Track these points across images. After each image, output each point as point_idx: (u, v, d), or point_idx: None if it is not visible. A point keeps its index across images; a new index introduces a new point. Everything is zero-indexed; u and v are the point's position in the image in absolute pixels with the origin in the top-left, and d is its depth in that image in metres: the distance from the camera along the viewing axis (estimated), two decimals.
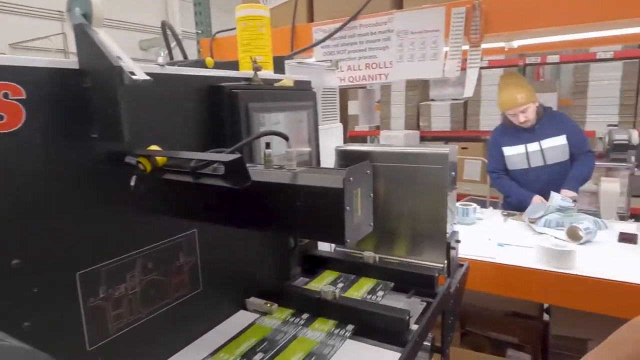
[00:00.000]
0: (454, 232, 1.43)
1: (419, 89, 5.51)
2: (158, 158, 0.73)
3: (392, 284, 1.19)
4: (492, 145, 2.66)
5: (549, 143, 2.48)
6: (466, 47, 1.70)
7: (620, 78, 4.01)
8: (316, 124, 1.27)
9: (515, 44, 1.94)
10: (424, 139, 5.64)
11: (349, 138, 6.25)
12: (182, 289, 0.92)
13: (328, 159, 1.47)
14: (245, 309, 1.08)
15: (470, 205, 2.28)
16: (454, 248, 1.36)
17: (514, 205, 2.51)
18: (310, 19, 2.09)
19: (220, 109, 0.94)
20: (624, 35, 2.06)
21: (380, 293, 1.12)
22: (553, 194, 2.24)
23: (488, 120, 5.01)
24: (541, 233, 2.07)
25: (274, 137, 0.81)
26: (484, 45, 2.04)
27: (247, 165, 0.67)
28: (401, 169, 1.41)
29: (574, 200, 2.26)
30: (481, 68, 4.95)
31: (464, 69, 1.76)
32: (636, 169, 3.58)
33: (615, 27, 1.80)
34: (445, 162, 1.31)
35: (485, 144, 5.43)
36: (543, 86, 4.76)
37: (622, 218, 3.64)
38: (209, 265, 0.97)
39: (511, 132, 2.57)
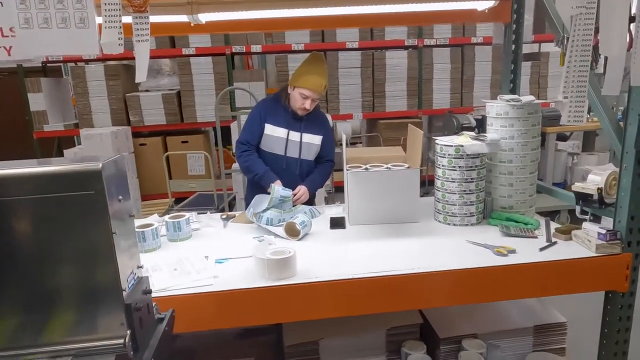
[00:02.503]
0: (141, 280, 0.99)
1: (123, 78, 4.71)
2: None
3: None
4: (255, 116, 2.33)
5: (309, 138, 2.35)
6: (129, 17, 1.24)
7: None
8: None
9: (202, 18, 1.62)
10: (138, 135, 4.93)
11: (36, 141, 4.85)
12: None
13: None
14: None
15: (183, 216, 1.89)
16: (139, 309, 0.91)
17: (255, 186, 2.31)
18: None
19: None
20: (311, 18, 2.03)
21: None
22: (273, 185, 2.12)
23: (204, 111, 4.76)
24: (264, 234, 1.89)
25: None
26: (163, 19, 1.64)
27: None
28: (37, 201, 0.86)
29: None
30: (189, 56, 4.69)
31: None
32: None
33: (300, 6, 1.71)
34: (100, 183, 0.84)
35: (205, 136, 5.19)
36: (252, 75, 4.84)
37: (329, 192, 4.16)
38: None
39: (280, 112, 2.32)
